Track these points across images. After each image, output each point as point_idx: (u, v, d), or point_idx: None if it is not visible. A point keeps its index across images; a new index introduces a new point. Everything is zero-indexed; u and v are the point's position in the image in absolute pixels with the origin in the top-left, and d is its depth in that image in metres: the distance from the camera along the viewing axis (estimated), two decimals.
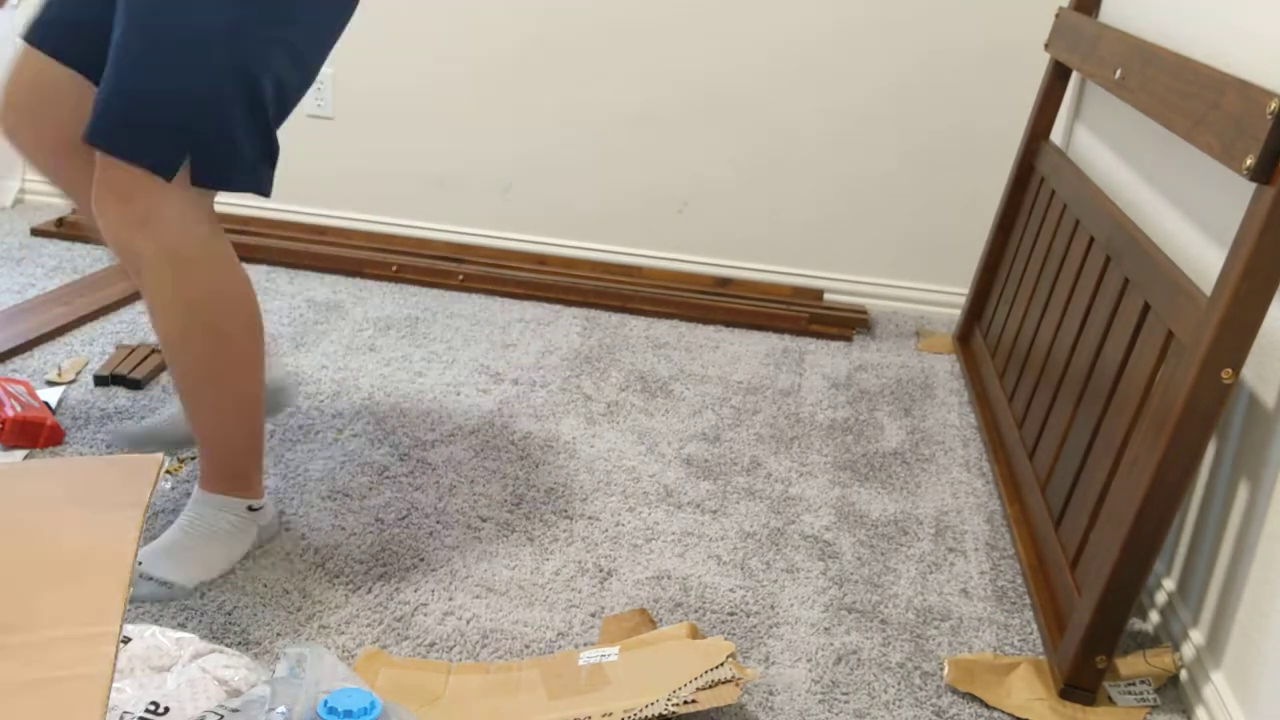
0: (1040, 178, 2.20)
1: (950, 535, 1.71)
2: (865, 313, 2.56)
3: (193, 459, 1.71)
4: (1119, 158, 1.96)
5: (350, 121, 2.69)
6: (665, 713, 1.16)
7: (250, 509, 1.47)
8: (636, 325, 2.42)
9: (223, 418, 1.41)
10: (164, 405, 1.87)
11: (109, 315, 2.21)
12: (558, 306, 2.49)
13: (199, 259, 1.31)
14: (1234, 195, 1.47)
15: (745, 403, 2.10)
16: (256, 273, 2.50)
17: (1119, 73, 1.75)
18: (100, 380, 1.91)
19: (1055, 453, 1.68)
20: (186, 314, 1.32)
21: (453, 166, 2.70)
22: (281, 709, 0.97)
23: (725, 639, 1.36)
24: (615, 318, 2.45)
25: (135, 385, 1.91)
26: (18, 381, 1.78)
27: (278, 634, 1.35)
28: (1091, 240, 1.77)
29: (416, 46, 2.61)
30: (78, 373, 1.94)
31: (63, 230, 2.62)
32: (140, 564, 1.39)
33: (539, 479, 1.76)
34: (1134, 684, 1.40)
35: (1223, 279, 1.24)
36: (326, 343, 2.18)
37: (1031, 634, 1.50)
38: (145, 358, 1.99)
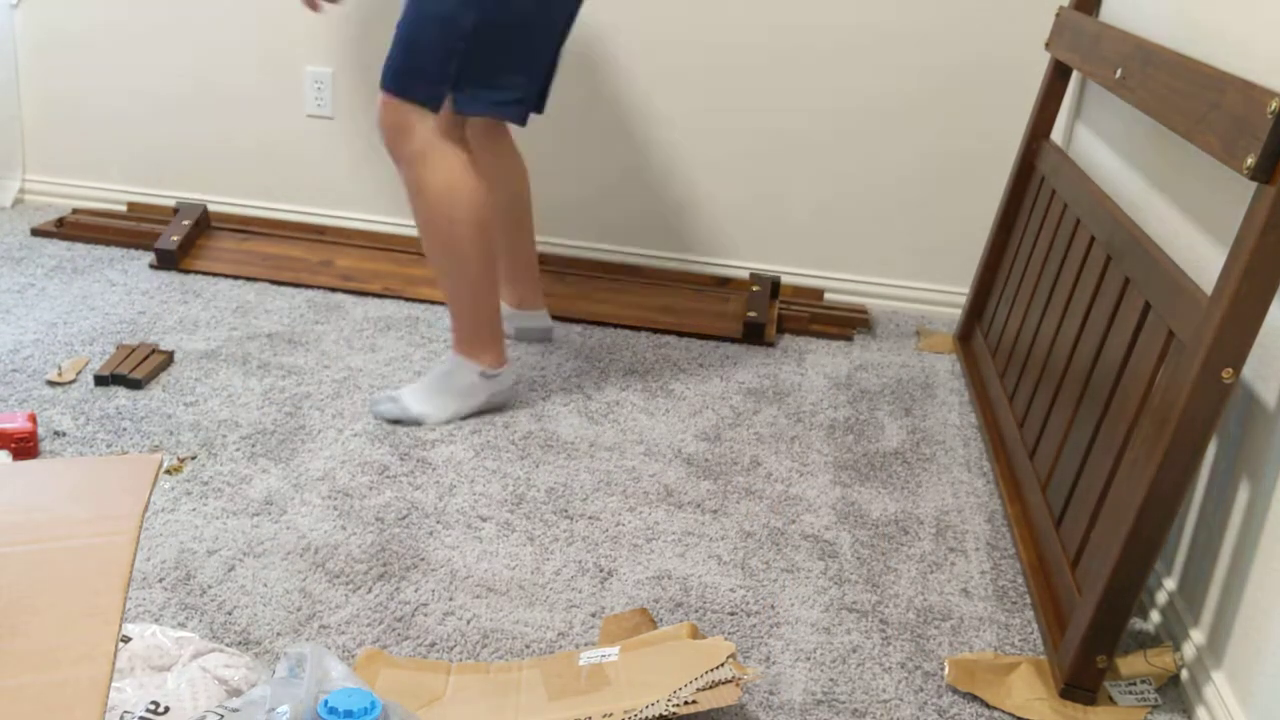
0: (1041, 177, 2.20)
1: (951, 535, 1.71)
2: (865, 312, 2.56)
3: (194, 459, 1.71)
4: (1119, 157, 1.96)
5: (350, 121, 2.69)
6: (666, 713, 1.16)
7: (483, 375, 1.90)
8: None
9: (458, 292, 1.86)
10: (164, 405, 1.87)
11: (111, 314, 2.21)
12: None
13: (437, 164, 1.78)
14: (1234, 195, 1.46)
15: (745, 402, 2.10)
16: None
17: (1119, 72, 1.75)
18: (100, 380, 1.91)
19: (1056, 452, 1.68)
20: (428, 206, 1.80)
21: None
22: (282, 709, 0.97)
23: (725, 639, 1.36)
24: None
25: (135, 385, 1.91)
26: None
27: (278, 634, 1.35)
28: (1092, 240, 1.77)
29: None
30: (78, 373, 1.94)
31: (63, 230, 2.62)
32: (396, 396, 1.89)
33: (539, 479, 1.76)
34: (1135, 684, 1.40)
35: (1223, 278, 1.24)
36: (327, 342, 2.18)
37: (1032, 634, 1.50)
38: (145, 357, 1.99)
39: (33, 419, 1.70)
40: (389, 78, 1.77)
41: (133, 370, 1.94)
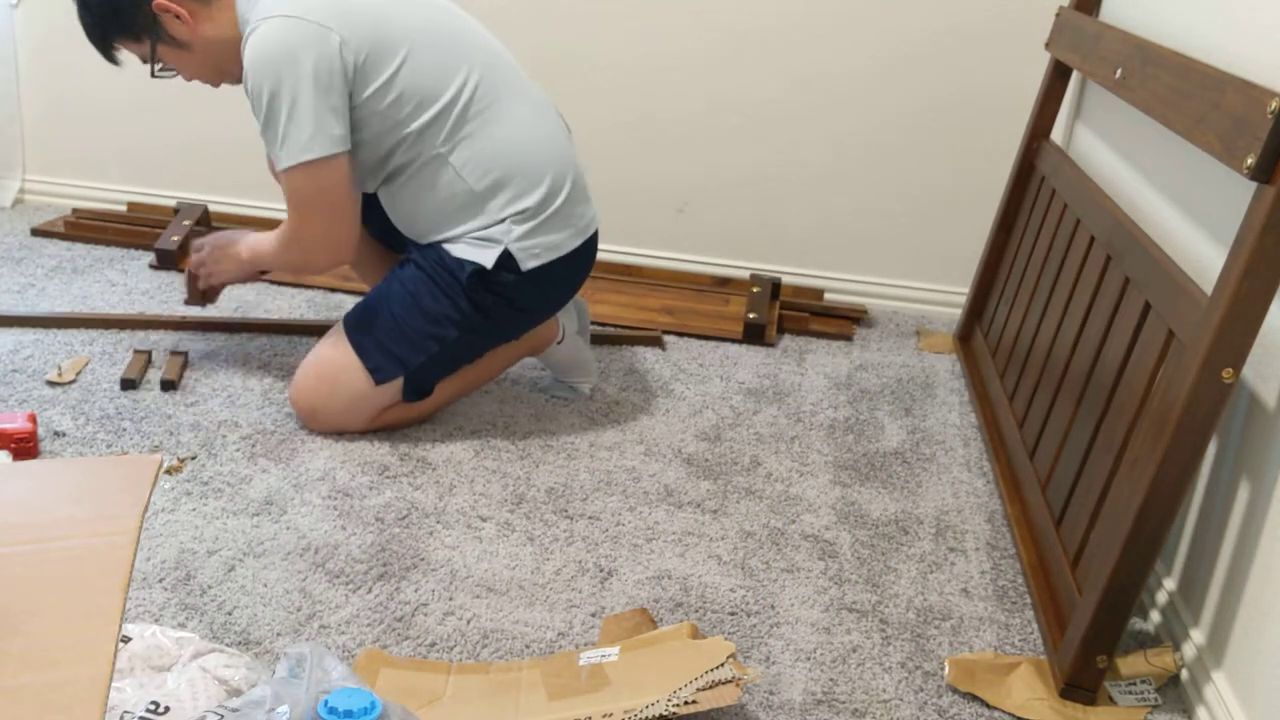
0: (1041, 177, 2.20)
1: (951, 535, 1.71)
2: (865, 312, 2.56)
3: (193, 459, 1.71)
4: (1120, 157, 1.96)
5: None
6: (666, 713, 1.16)
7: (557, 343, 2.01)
8: None
9: None
10: (164, 405, 1.87)
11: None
12: None
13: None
14: (1235, 194, 1.46)
15: (745, 403, 2.10)
16: None
17: (1119, 72, 1.75)
18: (127, 384, 1.91)
19: (1056, 452, 1.68)
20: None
21: None
22: (282, 709, 0.97)
23: (725, 639, 1.36)
24: None
25: (172, 386, 1.91)
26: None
27: (278, 634, 1.35)
28: (1092, 240, 1.77)
29: None
30: (77, 373, 1.94)
31: (63, 230, 2.62)
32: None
33: (539, 479, 1.76)
34: (1135, 684, 1.40)
35: (1223, 278, 1.24)
36: None
37: (1032, 634, 1.50)
38: (166, 359, 1.99)
39: (33, 419, 1.69)
40: (359, 330, 1.79)
41: (165, 372, 1.94)
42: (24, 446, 1.67)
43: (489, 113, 1.75)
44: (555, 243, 1.79)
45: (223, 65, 1.79)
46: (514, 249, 1.76)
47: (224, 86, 1.89)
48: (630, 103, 2.59)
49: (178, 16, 1.72)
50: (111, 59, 1.83)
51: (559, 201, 1.78)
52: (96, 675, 0.77)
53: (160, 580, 1.43)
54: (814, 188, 2.59)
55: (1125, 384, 1.49)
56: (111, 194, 2.85)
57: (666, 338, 2.36)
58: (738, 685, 1.20)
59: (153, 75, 1.81)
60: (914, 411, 2.13)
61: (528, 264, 1.77)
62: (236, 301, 2.33)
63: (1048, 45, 2.25)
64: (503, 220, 1.76)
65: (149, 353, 2.01)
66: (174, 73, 1.83)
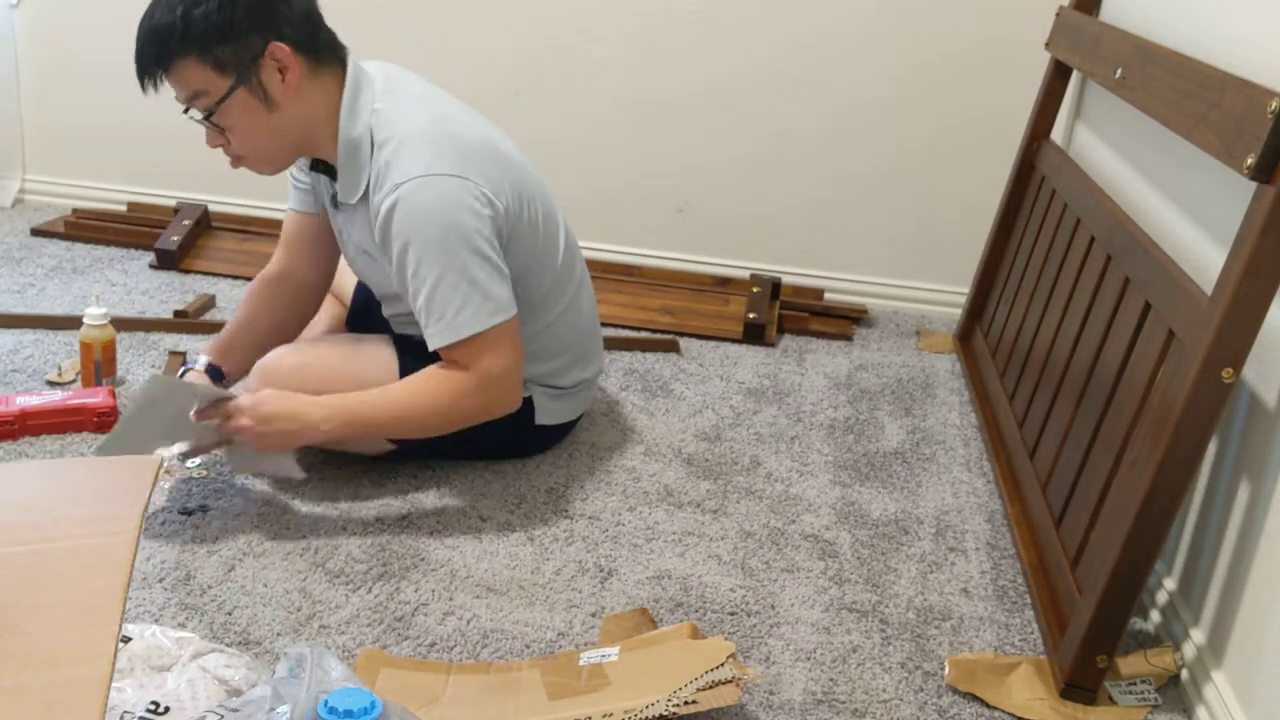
0: (1041, 177, 2.20)
1: (951, 535, 1.71)
2: (865, 312, 2.56)
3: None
4: (1120, 157, 1.96)
5: None
6: (666, 713, 1.16)
7: None
8: None
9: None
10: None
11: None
12: None
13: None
14: (1235, 194, 1.46)
15: (745, 403, 2.10)
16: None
17: (1120, 72, 1.75)
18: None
19: (1056, 452, 1.67)
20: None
21: None
22: (282, 709, 0.97)
23: (725, 639, 1.36)
24: None
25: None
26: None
27: (278, 634, 1.35)
28: (1092, 239, 1.77)
29: (414, 46, 2.61)
30: (77, 373, 1.94)
31: (63, 230, 2.62)
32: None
33: (539, 479, 1.76)
34: (1135, 683, 1.40)
35: (1223, 278, 1.24)
36: None
37: (1032, 634, 1.50)
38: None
39: (112, 394, 1.79)
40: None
41: (165, 372, 1.95)
42: (105, 420, 1.76)
43: (564, 293, 1.73)
44: (569, 409, 1.82)
45: (295, 146, 1.56)
46: (537, 401, 1.75)
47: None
48: (631, 102, 2.59)
49: (282, 71, 1.48)
50: (153, 80, 1.52)
51: (584, 385, 1.83)
52: (96, 675, 0.77)
53: (160, 580, 1.43)
54: (814, 187, 2.59)
55: (1125, 384, 1.49)
56: (111, 194, 2.85)
57: (666, 337, 2.36)
58: (738, 685, 1.20)
59: (200, 118, 1.54)
60: (914, 411, 2.13)
61: (540, 419, 1.76)
62: (237, 303, 2.33)
63: (1048, 45, 2.25)
64: (534, 380, 1.75)
65: (184, 353, 2.00)
66: (214, 126, 1.52)
